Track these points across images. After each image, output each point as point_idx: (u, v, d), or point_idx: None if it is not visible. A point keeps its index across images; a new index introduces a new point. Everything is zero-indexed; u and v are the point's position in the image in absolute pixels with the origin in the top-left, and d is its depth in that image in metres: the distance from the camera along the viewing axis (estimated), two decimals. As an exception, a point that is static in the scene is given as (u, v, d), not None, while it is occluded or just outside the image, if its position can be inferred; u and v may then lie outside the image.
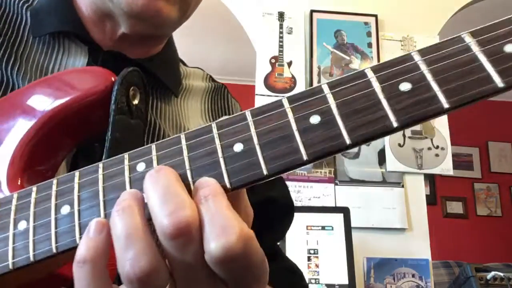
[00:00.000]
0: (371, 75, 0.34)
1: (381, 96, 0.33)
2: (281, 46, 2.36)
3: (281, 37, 2.37)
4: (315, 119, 0.34)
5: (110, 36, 0.61)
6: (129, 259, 0.30)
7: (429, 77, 0.32)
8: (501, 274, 2.15)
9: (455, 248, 4.22)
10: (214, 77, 0.80)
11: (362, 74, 0.34)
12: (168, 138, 0.36)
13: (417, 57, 0.33)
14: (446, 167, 2.26)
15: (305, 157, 0.33)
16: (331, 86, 0.34)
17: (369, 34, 2.40)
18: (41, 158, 0.48)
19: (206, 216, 0.31)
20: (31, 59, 0.58)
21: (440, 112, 0.31)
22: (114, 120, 0.46)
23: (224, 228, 0.30)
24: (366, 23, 2.42)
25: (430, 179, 4.42)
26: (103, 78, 0.48)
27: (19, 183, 0.45)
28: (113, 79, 0.47)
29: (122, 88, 0.47)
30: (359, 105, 0.33)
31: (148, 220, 0.33)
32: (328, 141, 0.33)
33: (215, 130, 0.35)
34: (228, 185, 0.34)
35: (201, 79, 0.76)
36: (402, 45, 2.42)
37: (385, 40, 2.42)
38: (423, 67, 0.33)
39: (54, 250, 0.35)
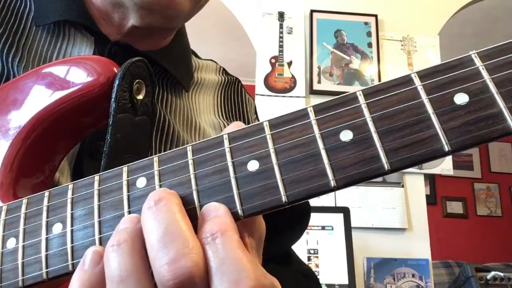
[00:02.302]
0: (418, 82, 0.27)
1: (430, 110, 0.26)
2: (281, 46, 2.36)
3: (281, 37, 2.37)
4: (346, 136, 0.28)
5: (118, 29, 0.57)
6: None
7: (492, 88, 0.25)
8: (501, 274, 2.15)
9: (455, 248, 4.22)
10: None
11: (407, 80, 0.28)
12: (173, 150, 0.32)
13: (477, 61, 0.26)
14: (446, 167, 2.26)
15: (333, 183, 0.28)
16: (367, 94, 0.28)
17: (369, 34, 2.40)
18: (35, 163, 0.42)
19: (213, 261, 0.27)
20: (34, 50, 0.54)
21: (505, 134, 0.25)
22: (114, 121, 0.41)
23: (237, 280, 0.26)
24: (366, 23, 2.42)
25: (430, 179, 4.42)
26: (104, 69, 0.42)
27: (12, 193, 0.40)
28: (115, 70, 0.42)
29: (124, 82, 0.41)
30: (402, 120, 0.27)
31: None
32: (362, 164, 0.27)
33: (226, 143, 0.30)
34: (240, 212, 0.29)
35: (214, 72, 0.72)
36: (402, 45, 2.42)
37: (385, 40, 2.42)
38: (485, 75, 0.26)
39: (45, 276, 0.31)
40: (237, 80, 0.74)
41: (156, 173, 0.31)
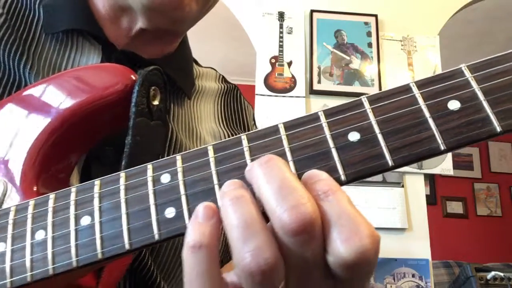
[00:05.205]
0: (416, 91, 0.31)
1: (427, 114, 0.30)
2: (281, 46, 2.36)
3: (281, 37, 2.37)
4: (354, 136, 0.31)
5: (126, 33, 0.59)
6: (251, 251, 0.28)
7: (480, 96, 0.30)
8: (501, 274, 2.15)
9: (455, 248, 4.22)
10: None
11: (406, 89, 0.32)
12: (194, 149, 0.35)
13: (467, 73, 0.31)
14: (446, 167, 2.26)
15: (343, 177, 0.31)
16: (372, 100, 0.32)
17: (369, 34, 2.40)
18: (56, 161, 0.45)
19: (331, 214, 0.29)
20: (43, 57, 0.55)
21: (492, 135, 0.29)
22: (134, 123, 0.44)
23: (355, 230, 0.28)
24: (366, 23, 2.42)
25: (430, 179, 4.42)
26: (122, 77, 0.45)
27: (34, 189, 0.43)
28: (133, 77, 0.45)
29: (143, 89, 0.45)
30: (403, 123, 0.31)
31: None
32: (369, 161, 0.31)
33: (245, 143, 0.33)
34: None
35: (214, 79, 0.74)
36: (402, 45, 2.42)
37: (385, 40, 2.42)
38: (474, 85, 0.30)
39: (75, 264, 0.34)
40: (236, 87, 0.76)
41: (179, 169, 0.34)
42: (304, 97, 2.27)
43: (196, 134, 0.63)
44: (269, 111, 2.23)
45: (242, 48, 3.73)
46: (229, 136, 0.67)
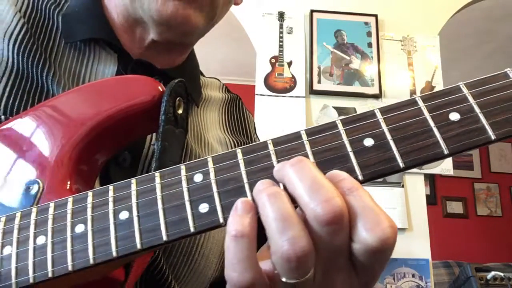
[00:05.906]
0: (421, 104, 0.36)
1: (432, 124, 0.35)
2: (281, 46, 2.36)
3: (281, 37, 2.37)
4: (369, 142, 0.36)
5: (139, 44, 0.63)
6: (288, 239, 0.32)
7: (477, 109, 0.35)
8: (501, 274, 2.15)
9: (455, 248, 4.22)
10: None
11: (413, 102, 0.37)
12: (224, 152, 0.38)
13: (465, 90, 0.36)
14: (446, 167, 2.27)
15: (360, 177, 0.35)
16: (383, 111, 0.37)
17: (369, 34, 2.40)
18: (87, 162, 0.49)
19: (356, 207, 0.33)
20: (63, 65, 0.58)
21: (488, 142, 0.34)
22: (163, 130, 0.48)
23: (378, 221, 0.32)
24: (366, 23, 2.42)
25: (430, 179, 4.42)
26: (151, 88, 0.50)
27: (68, 187, 0.46)
28: (160, 88, 0.50)
29: (170, 99, 0.49)
30: (411, 131, 0.35)
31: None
32: (383, 163, 0.35)
33: (271, 147, 0.37)
34: None
35: (218, 89, 0.79)
36: (402, 45, 2.42)
37: (385, 40, 2.42)
38: (471, 100, 0.35)
39: (115, 254, 0.36)
40: (238, 97, 0.81)
41: (211, 170, 0.37)
42: (304, 97, 2.27)
43: (204, 141, 0.66)
44: (269, 111, 2.23)
45: (242, 48, 3.73)
46: (235, 143, 0.71)
